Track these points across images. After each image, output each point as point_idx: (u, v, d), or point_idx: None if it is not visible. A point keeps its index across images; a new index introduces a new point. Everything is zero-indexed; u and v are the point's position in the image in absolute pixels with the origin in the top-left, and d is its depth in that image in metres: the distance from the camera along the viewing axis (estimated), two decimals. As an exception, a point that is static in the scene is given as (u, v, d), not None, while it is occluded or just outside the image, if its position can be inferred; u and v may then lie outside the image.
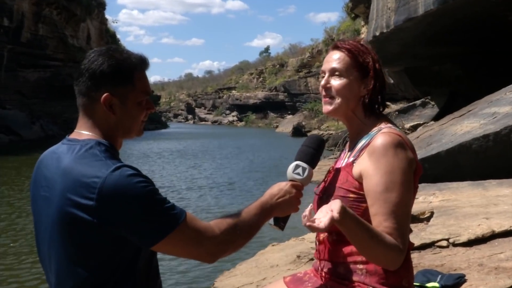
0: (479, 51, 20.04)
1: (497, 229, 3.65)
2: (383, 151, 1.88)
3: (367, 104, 2.03)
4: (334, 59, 2.05)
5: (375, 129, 1.99)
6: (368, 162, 1.91)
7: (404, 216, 1.86)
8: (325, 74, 2.08)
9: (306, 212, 1.72)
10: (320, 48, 76.42)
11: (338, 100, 2.03)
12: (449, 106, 20.19)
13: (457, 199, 4.91)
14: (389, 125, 2.01)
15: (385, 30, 20.37)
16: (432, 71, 24.54)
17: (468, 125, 7.62)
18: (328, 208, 1.73)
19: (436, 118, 20.14)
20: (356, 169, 1.95)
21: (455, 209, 4.43)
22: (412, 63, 24.20)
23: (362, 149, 1.97)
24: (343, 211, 1.72)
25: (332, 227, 1.97)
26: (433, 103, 23.87)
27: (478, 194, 5.00)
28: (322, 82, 2.07)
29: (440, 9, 16.09)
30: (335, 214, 1.69)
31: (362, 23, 45.01)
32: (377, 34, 21.20)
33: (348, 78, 2.01)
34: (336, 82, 2.03)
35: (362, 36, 42.15)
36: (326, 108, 2.08)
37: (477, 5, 15.66)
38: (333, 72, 2.04)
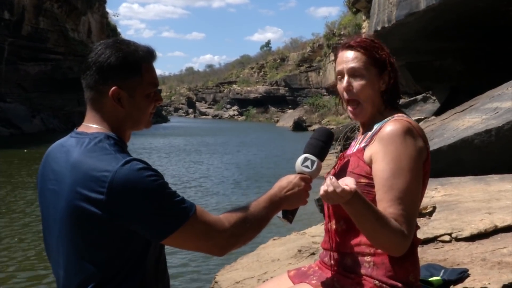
0: (480, 46, 20.00)
1: (500, 224, 3.64)
2: (392, 137, 1.88)
3: (387, 98, 2.03)
4: (351, 58, 2.02)
5: (388, 117, 2.00)
6: (377, 148, 1.91)
7: (410, 203, 1.85)
8: (342, 75, 2.05)
9: (328, 180, 1.73)
10: (321, 43, 76.30)
11: (364, 105, 2.03)
12: (450, 101, 20.17)
13: (460, 194, 4.91)
14: (402, 114, 2.01)
15: (386, 25, 20.32)
16: (434, 66, 24.47)
17: (470, 120, 7.61)
18: (342, 182, 1.74)
19: (437, 113, 20.12)
20: (367, 154, 1.95)
21: (458, 204, 4.42)
22: (414, 58, 24.14)
23: (374, 135, 1.98)
24: (355, 188, 1.73)
25: (342, 213, 1.97)
26: (434, 98, 23.82)
27: (480, 189, 5.00)
28: (344, 84, 2.03)
29: (442, 4, 16.05)
30: (352, 186, 1.71)
31: (364, 17, 44.89)
32: (379, 28, 21.14)
33: (368, 77, 2.00)
34: (358, 84, 2.01)
35: (363, 30, 42.04)
36: (354, 116, 2.08)
37: (479, 0, 15.62)
38: (352, 73, 2.02)
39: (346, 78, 2.03)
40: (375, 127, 2.01)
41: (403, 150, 1.86)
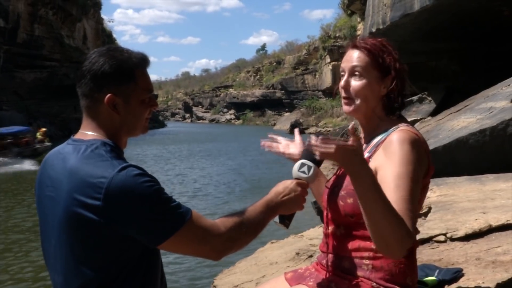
0: (475, 46, 20.06)
1: (494, 223, 3.65)
2: (400, 145, 1.87)
3: (387, 103, 2.02)
4: (354, 58, 2.02)
5: (393, 127, 1.98)
6: (384, 157, 1.90)
7: (414, 204, 1.82)
8: (344, 73, 2.06)
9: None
10: (317, 45, 76.41)
11: (357, 102, 2.01)
12: (446, 102, 20.20)
13: (455, 194, 4.92)
14: (407, 124, 2.00)
15: (381, 27, 20.37)
16: (429, 67, 24.53)
17: (465, 120, 7.61)
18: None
19: (433, 113, 20.14)
20: (371, 165, 1.91)
21: (453, 204, 4.44)
22: (409, 59, 24.13)
23: (378, 145, 1.97)
24: (360, 154, 1.70)
25: (341, 219, 1.98)
26: (430, 98, 23.86)
27: (475, 188, 5.01)
28: (342, 82, 2.04)
29: (436, 5, 16.09)
30: (352, 143, 1.67)
31: (359, 19, 44.97)
32: (374, 30, 21.19)
33: (367, 78, 1.99)
34: (355, 83, 2.01)
35: (359, 32, 42.11)
36: (346, 108, 2.06)
37: (473, 1, 15.67)
38: (352, 72, 2.02)
39: (345, 76, 2.04)
40: (379, 137, 2.00)
41: (410, 157, 1.85)
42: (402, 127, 1.96)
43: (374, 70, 2.00)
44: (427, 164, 1.95)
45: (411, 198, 1.80)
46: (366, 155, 2.00)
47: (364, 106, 2.02)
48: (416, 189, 1.84)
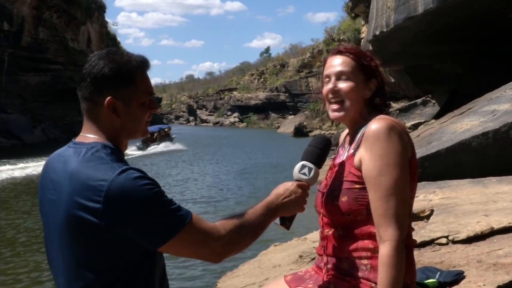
0: (479, 49, 20.04)
1: (496, 225, 3.66)
2: (377, 135, 1.90)
3: (372, 105, 2.06)
4: (339, 63, 2.06)
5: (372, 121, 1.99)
6: (364, 148, 1.93)
7: (399, 200, 1.85)
8: (330, 78, 2.08)
9: None
10: (321, 48, 76.33)
11: (347, 104, 2.04)
12: (449, 104, 20.18)
13: (457, 196, 4.93)
14: (386, 115, 2.02)
15: (385, 29, 20.37)
16: (433, 70, 24.52)
17: (468, 123, 7.62)
18: None
19: (437, 116, 20.16)
20: (356, 159, 1.97)
21: (455, 207, 4.44)
22: (413, 61, 24.17)
23: (360, 139, 1.99)
24: None
25: (338, 221, 2.00)
26: (434, 101, 23.88)
27: (478, 191, 5.02)
28: (330, 86, 2.07)
29: (440, 8, 16.11)
30: None
31: (362, 22, 44.93)
32: (377, 33, 21.21)
33: (355, 81, 2.03)
34: (344, 85, 2.04)
35: (363, 35, 42.07)
36: (336, 114, 2.08)
37: (476, 3, 15.68)
38: (339, 76, 2.05)
39: (332, 80, 2.07)
40: (361, 131, 2.02)
41: (388, 146, 1.87)
42: (381, 116, 1.99)
43: (360, 73, 2.05)
44: (411, 146, 1.97)
45: (395, 193, 1.85)
46: (351, 151, 2.03)
47: (353, 109, 2.06)
48: (401, 177, 1.87)
